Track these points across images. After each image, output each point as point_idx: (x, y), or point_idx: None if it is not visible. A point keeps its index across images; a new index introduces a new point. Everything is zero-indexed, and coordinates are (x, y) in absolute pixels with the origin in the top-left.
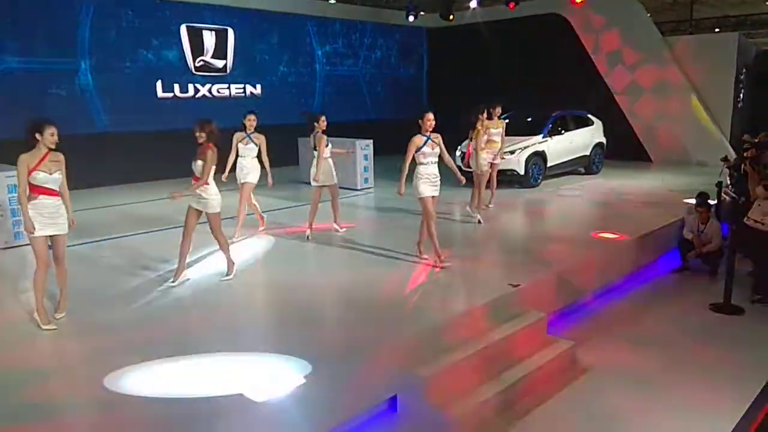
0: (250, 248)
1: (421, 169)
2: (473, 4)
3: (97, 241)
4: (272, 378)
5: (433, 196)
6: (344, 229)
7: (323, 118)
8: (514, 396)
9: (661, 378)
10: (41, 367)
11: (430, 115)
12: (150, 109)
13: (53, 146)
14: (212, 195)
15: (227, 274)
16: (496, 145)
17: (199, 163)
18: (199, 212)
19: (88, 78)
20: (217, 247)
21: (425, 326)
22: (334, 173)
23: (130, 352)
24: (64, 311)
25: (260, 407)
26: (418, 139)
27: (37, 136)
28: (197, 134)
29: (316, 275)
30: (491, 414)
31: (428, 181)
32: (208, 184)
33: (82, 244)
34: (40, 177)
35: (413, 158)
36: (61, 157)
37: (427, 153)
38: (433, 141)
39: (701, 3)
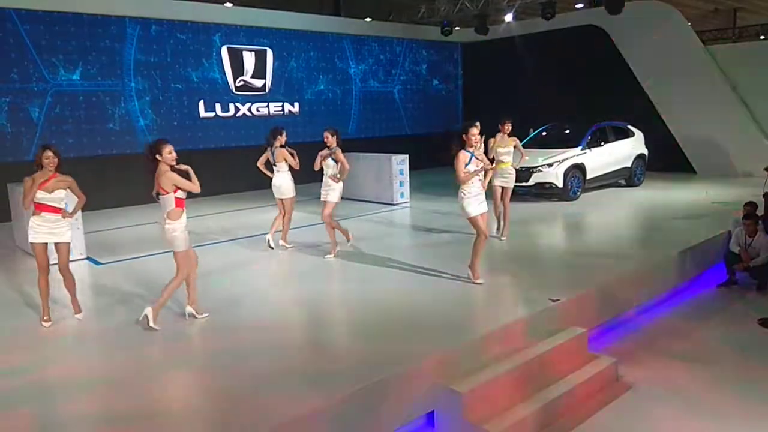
0: (279, 264)
1: (466, 187)
2: (508, 18)
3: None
4: (310, 391)
5: (482, 214)
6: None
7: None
8: (554, 413)
9: (707, 395)
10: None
11: (475, 130)
12: (193, 127)
13: (51, 168)
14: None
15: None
16: (504, 165)
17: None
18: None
19: (134, 98)
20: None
21: (464, 341)
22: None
23: (172, 364)
24: (80, 312)
25: (297, 421)
26: (464, 156)
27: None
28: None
29: (353, 291)
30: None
31: (476, 200)
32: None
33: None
34: (39, 195)
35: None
36: (68, 179)
37: (473, 170)
38: (477, 158)
39: (745, 10)
